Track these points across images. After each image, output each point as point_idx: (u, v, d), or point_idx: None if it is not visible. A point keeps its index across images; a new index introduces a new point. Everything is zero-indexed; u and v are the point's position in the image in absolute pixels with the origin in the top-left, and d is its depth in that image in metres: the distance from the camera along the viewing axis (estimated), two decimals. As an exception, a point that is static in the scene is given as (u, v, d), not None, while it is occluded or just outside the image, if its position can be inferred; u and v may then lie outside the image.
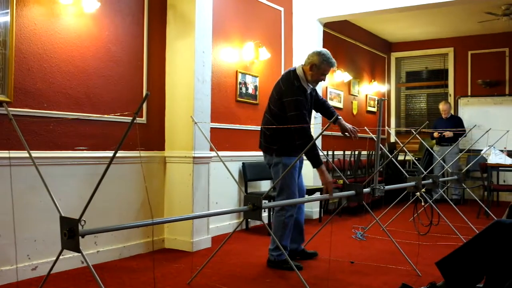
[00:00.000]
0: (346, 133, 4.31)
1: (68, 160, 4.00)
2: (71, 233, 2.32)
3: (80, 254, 2.35)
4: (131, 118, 2.21)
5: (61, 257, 2.60)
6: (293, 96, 3.94)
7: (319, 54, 4.01)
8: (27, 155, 2.73)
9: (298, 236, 4.38)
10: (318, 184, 6.80)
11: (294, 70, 4.09)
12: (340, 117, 4.29)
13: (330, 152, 7.61)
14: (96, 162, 4.15)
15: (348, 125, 4.30)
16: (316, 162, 3.92)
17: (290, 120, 3.93)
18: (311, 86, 4.13)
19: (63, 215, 2.39)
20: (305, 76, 4.04)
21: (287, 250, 4.12)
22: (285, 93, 3.99)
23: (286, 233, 4.14)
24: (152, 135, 4.81)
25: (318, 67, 4.00)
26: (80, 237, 2.32)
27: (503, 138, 6.14)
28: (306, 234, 4.54)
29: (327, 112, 4.43)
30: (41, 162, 3.59)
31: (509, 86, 9.29)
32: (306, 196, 5.99)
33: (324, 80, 4.15)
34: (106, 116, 4.22)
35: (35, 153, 3.61)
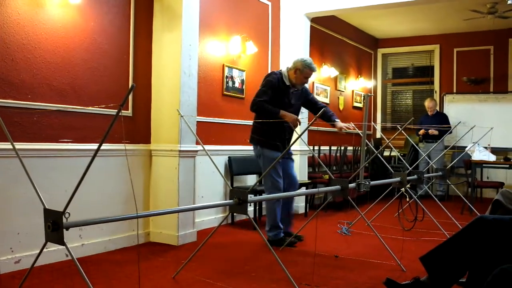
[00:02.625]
0: (343, 130, 4.80)
1: (53, 152, 3.96)
2: (55, 225, 2.29)
3: (64, 247, 2.32)
4: (116, 110, 2.18)
5: (45, 250, 2.57)
6: (264, 81, 4.68)
7: (302, 60, 4.67)
8: (11, 147, 2.69)
9: (285, 218, 4.87)
10: (304, 179, 6.83)
11: (280, 70, 4.77)
12: (337, 120, 4.83)
13: (316, 147, 7.63)
14: (81, 155, 4.12)
15: (344, 124, 4.80)
16: (274, 114, 4.50)
17: (253, 105, 4.59)
18: (296, 88, 4.74)
19: (47, 207, 2.36)
20: (289, 77, 4.68)
21: (281, 229, 4.76)
22: (262, 82, 4.72)
23: (277, 215, 4.74)
24: (138, 128, 4.78)
25: (301, 71, 4.64)
26: (64, 230, 2.29)
27: (487, 135, 6.20)
28: (292, 229, 4.56)
29: (326, 116, 4.84)
30: (25, 154, 3.55)
31: (494, 83, 9.38)
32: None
33: (307, 83, 4.80)
34: (91, 108, 4.18)
35: (18, 145, 3.56)
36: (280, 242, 4.68)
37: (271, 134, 4.66)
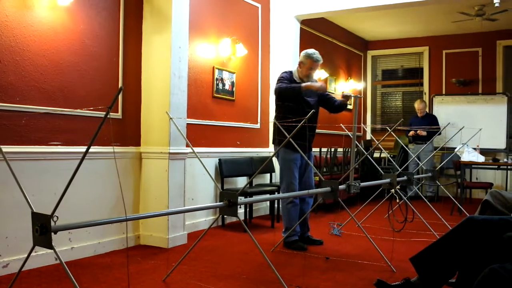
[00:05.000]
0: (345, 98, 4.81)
1: (41, 155, 3.93)
2: (43, 229, 2.28)
3: (53, 250, 2.30)
4: (105, 112, 2.17)
5: (33, 254, 2.55)
6: (278, 81, 4.70)
7: (304, 52, 4.70)
8: (-2, 149, 2.67)
9: (302, 224, 4.84)
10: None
11: (291, 70, 4.84)
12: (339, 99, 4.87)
13: (306, 149, 7.63)
14: (70, 158, 4.09)
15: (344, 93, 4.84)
16: (297, 89, 4.49)
17: (276, 91, 4.69)
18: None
19: (35, 210, 2.34)
20: (298, 75, 4.72)
21: (296, 232, 4.73)
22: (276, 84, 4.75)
23: (291, 217, 4.72)
24: (127, 131, 4.76)
25: (304, 63, 4.67)
26: (52, 233, 2.28)
27: (476, 136, 6.24)
28: (282, 230, 4.55)
29: (336, 106, 4.90)
30: (12, 157, 3.53)
31: (482, 85, 9.44)
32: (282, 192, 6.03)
33: (312, 75, 4.74)
34: (79, 110, 4.16)
35: (6, 148, 3.54)
36: (292, 244, 4.68)
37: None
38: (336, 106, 4.87)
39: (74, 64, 4.20)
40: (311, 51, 4.69)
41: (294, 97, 4.57)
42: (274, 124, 4.70)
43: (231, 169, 5.93)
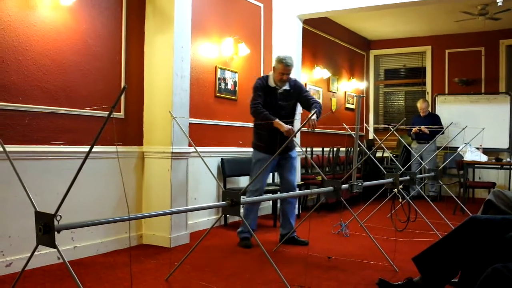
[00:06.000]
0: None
1: (44, 154, 3.94)
2: (46, 228, 2.28)
3: (56, 249, 2.31)
4: (108, 112, 2.17)
5: (37, 253, 2.56)
6: (252, 91, 4.73)
7: (276, 57, 4.73)
8: (1, 149, 2.67)
9: (286, 223, 4.86)
10: (297, 180, 6.83)
11: (268, 75, 4.81)
12: (315, 113, 4.49)
13: (309, 149, 7.64)
14: (73, 157, 4.10)
15: (313, 119, 4.46)
16: (269, 120, 4.49)
17: (250, 108, 4.69)
18: (286, 87, 4.73)
19: (38, 210, 2.35)
20: (274, 79, 4.71)
21: (251, 228, 4.55)
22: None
23: (247, 212, 4.83)
24: (130, 130, 4.76)
25: (276, 68, 4.67)
26: (56, 233, 2.28)
27: (478, 135, 6.23)
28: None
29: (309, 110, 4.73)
30: (16, 156, 3.53)
31: (485, 84, 9.42)
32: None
33: (286, 79, 4.68)
34: (82, 110, 4.16)
35: (9, 148, 3.55)
36: (240, 241, 4.79)
37: (262, 136, 4.71)
38: (310, 104, 4.73)
39: (76, 63, 4.21)
40: (282, 55, 4.69)
41: (268, 102, 4.62)
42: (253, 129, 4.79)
43: (233, 168, 5.93)
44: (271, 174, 6.64)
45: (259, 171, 4.38)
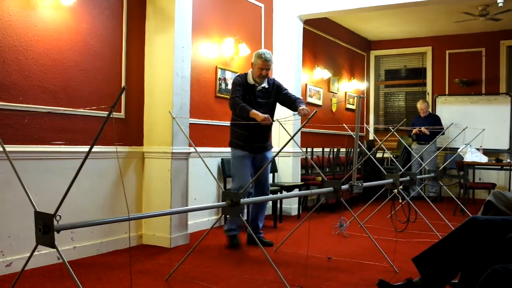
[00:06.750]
0: (300, 113, 4.51)
1: (44, 154, 3.94)
2: (46, 228, 2.28)
3: (55, 250, 2.31)
4: (108, 112, 2.17)
5: (36, 253, 2.56)
6: (231, 86, 4.72)
7: (255, 52, 4.65)
8: (1, 149, 2.67)
9: (252, 221, 4.89)
10: (297, 180, 6.84)
11: (247, 73, 4.73)
12: (301, 105, 4.57)
13: (309, 149, 7.63)
14: (73, 157, 4.10)
15: (306, 108, 4.51)
16: (245, 113, 4.41)
17: (229, 102, 4.65)
18: (264, 85, 4.67)
19: (38, 210, 2.35)
20: (253, 76, 4.64)
21: (239, 227, 4.75)
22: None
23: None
24: (130, 130, 4.76)
25: (255, 63, 4.60)
26: (55, 233, 2.28)
27: (479, 136, 6.23)
28: (284, 230, 4.58)
29: (295, 105, 4.66)
30: (16, 156, 3.53)
31: (486, 85, 9.42)
32: (285, 192, 6.03)
33: (265, 74, 4.61)
34: (82, 110, 4.16)
35: (9, 147, 3.55)
36: (228, 239, 4.78)
37: (239, 135, 4.66)
38: (293, 101, 4.68)
39: (77, 63, 4.21)
40: (261, 51, 4.63)
41: (247, 99, 4.56)
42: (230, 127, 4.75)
43: (233, 169, 5.92)
44: (270, 174, 6.64)
45: (239, 170, 4.52)
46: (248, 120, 4.41)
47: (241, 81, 4.62)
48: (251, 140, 4.64)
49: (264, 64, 4.55)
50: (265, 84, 4.68)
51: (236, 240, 4.75)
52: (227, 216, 4.76)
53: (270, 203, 6.52)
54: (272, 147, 4.93)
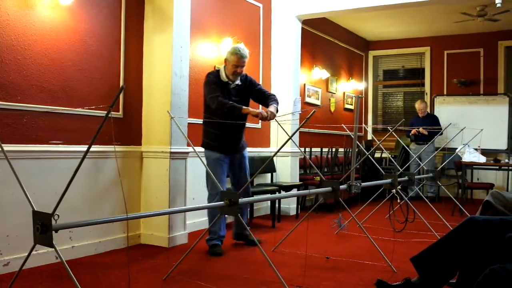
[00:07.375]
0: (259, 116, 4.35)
1: (43, 154, 3.93)
2: (44, 227, 2.28)
3: (53, 249, 2.31)
4: (106, 111, 2.17)
5: (34, 252, 2.56)
6: (206, 85, 4.45)
7: (229, 48, 4.46)
8: (-1, 148, 2.67)
9: (235, 225, 4.81)
10: (295, 180, 6.84)
11: (218, 70, 4.54)
12: (272, 105, 4.44)
13: (307, 149, 7.63)
14: (71, 156, 4.09)
15: (270, 110, 4.38)
16: (237, 111, 4.27)
17: (209, 103, 4.40)
18: (237, 82, 4.49)
19: (36, 209, 2.34)
20: (225, 73, 4.45)
21: (218, 237, 4.51)
22: (203, 87, 4.52)
23: (213, 217, 4.39)
24: (128, 130, 4.76)
25: (229, 60, 4.39)
26: (53, 232, 2.28)
27: (477, 136, 6.24)
28: (283, 230, 4.58)
29: (267, 103, 4.54)
30: (14, 155, 3.52)
31: (484, 85, 9.44)
32: (283, 192, 6.03)
33: (240, 72, 4.43)
34: (81, 109, 4.16)
35: (8, 147, 3.55)
36: (210, 248, 4.48)
37: (212, 135, 4.50)
38: (266, 97, 4.58)
39: (75, 63, 4.20)
40: (236, 46, 4.46)
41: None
42: (203, 128, 4.58)
43: (232, 168, 5.91)
44: (269, 174, 6.64)
45: (214, 172, 4.18)
46: (236, 119, 4.28)
47: (214, 80, 4.41)
48: (226, 140, 4.49)
49: (239, 61, 4.36)
50: (238, 81, 4.50)
51: (218, 248, 4.46)
52: (209, 226, 4.43)
53: (268, 202, 6.53)
54: (246, 146, 4.79)
